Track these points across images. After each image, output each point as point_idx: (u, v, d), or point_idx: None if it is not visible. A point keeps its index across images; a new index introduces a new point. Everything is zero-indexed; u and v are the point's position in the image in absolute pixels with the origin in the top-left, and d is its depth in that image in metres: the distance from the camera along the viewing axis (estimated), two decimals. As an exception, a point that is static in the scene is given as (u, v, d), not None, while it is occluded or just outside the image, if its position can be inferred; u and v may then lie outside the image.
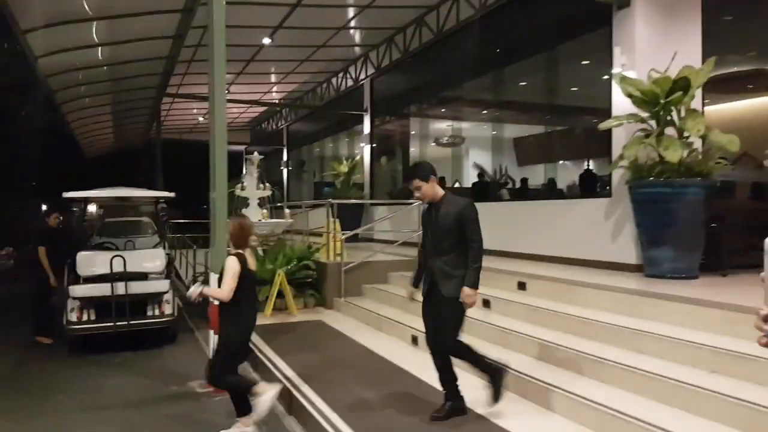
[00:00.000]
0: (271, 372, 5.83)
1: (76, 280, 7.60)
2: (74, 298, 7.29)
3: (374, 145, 16.35)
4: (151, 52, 9.75)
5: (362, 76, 15.68)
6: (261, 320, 8.42)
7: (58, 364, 7.05)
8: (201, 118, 20.52)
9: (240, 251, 4.42)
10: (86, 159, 24.99)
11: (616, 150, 7.07)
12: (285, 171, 25.32)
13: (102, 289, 7.31)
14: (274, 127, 24.94)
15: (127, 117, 16.03)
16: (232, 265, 4.27)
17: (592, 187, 9.28)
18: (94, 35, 8.85)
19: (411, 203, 11.25)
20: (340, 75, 16.73)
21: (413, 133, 15.33)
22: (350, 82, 16.47)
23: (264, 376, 5.95)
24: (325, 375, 5.51)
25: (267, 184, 10.47)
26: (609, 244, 7.33)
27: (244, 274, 4.31)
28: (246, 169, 10.60)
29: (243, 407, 4.42)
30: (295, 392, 5.01)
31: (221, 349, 4.40)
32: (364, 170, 16.48)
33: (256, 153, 10.62)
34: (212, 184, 6.07)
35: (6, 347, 8.08)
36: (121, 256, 7.43)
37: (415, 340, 6.50)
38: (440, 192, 4.19)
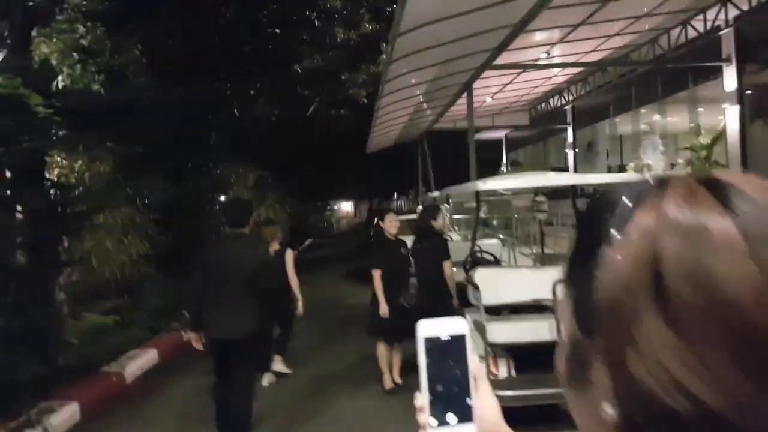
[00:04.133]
0: None
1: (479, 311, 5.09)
2: (490, 344, 4.70)
3: (743, 106, 11.88)
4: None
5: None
6: None
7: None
8: (489, 99, 17.61)
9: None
10: (363, 156, 24.19)
11: None
12: (571, 154, 21.75)
13: (536, 331, 4.62)
14: (557, 104, 21.44)
15: (431, 100, 13.92)
16: None
17: None
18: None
19: None
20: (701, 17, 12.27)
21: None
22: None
23: None
24: None
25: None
26: None
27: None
28: (646, 142, 7.39)
29: None
30: None
31: None
32: (726, 142, 12.08)
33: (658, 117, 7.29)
34: None
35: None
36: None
37: None
38: None
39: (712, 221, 0.43)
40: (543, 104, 22.53)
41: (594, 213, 0.51)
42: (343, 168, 26.66)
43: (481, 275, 5.10)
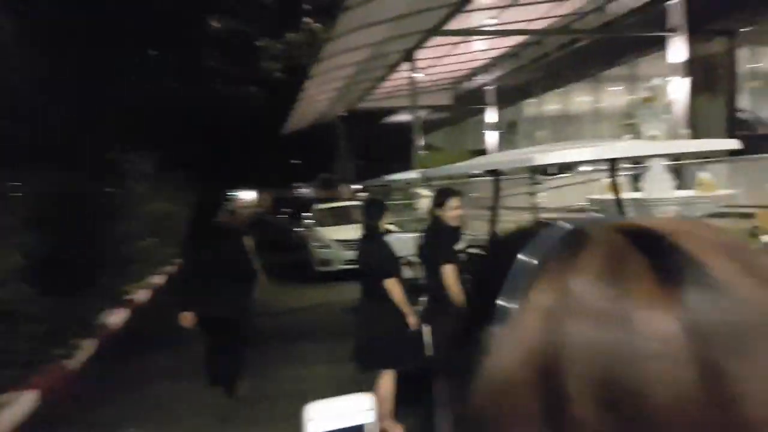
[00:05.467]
0: None
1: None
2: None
3: (688, 78, 11.55)
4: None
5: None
6: None
7: None
8: (421, 74, 16.19)
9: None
10: (278, 138, 22.31)
11: None
12: (491, 135, 21.33)
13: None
14: (482, 82, 20.72)
15: (362, 73, 12.42)
16: None
17: None
18: None
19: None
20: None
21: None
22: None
23: None
24: None
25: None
26: None
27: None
28: (644, 112, 6.33)
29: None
30: None
31: None
32: (671, 116, 11.72)
33: (659, 80, 6.33)
34: None
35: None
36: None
37: None
38: None
39: (644, 309, 0.28)
40: (467, 82, 21.66)
41: (494, 262, 0.34)
42: (248, 154, 24.58)
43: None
